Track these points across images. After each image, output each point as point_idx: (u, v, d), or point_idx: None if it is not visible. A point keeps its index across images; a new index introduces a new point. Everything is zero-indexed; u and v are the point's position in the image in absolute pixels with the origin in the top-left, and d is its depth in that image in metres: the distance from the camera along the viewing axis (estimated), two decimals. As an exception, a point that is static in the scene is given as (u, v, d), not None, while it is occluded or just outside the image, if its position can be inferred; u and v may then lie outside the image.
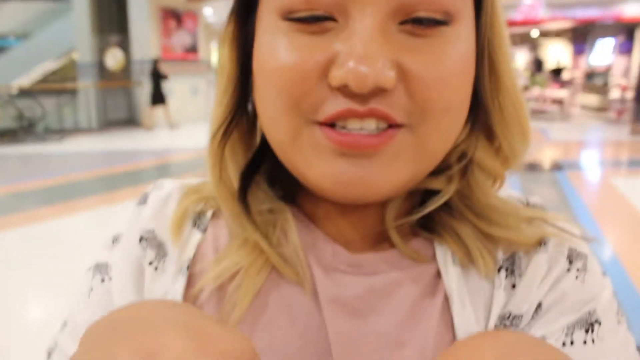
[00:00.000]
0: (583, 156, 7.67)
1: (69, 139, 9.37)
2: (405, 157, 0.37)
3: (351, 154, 0.36)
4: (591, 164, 6.98)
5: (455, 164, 0.43)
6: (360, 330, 0.40)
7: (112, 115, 11.23)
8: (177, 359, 0.21)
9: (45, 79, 10.90)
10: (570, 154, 7.72)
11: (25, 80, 10.92)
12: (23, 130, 9.32)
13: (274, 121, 0.38)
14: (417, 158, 0.38)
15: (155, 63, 10.13)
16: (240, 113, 0.43)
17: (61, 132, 9.90)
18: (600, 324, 0.41)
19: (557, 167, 6.45)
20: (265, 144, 0.44)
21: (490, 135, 0.43)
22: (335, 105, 0.36)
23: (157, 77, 10.15)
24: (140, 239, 0.46)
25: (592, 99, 13.47)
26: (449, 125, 0.38)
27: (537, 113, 11.67)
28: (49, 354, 0.45)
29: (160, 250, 0.45)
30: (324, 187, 0.38)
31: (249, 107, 0.44)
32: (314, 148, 0.37)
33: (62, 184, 5.93)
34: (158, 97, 10.24)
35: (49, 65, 11.43)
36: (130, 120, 11.40)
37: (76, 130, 10.49)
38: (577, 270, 0.43)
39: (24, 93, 9.69)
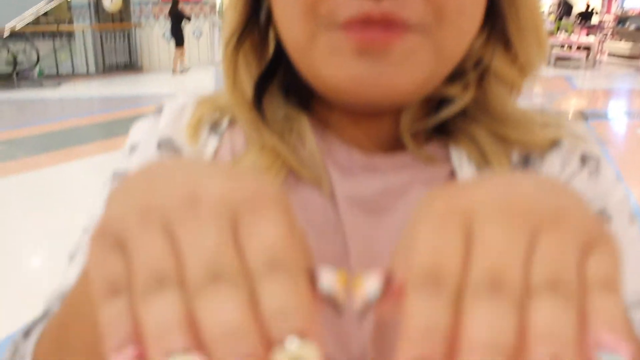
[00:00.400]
0: (610, 106, 7.56)
1: (66, 85, 9.34)
2: (420, 58, 0.39)
3: (368, 53, 0.38)
4: (618, 114, 6.89)
5: (472, 71, 0.44)
6: (376, 227, 0.42)
7: (110, 60, 11.13)
8: (221, 200, 0.21)
9: (38, 21, 10.76)
10: (596, 104, 7.62)
11: (18, 22, 10.80)
12: (18, 75, 9.27)
13: (290, 25, 0.40)
14: (432, 59, 0.39)
15: (176, 3, 9.96)
16: (254, 20, 0.45)
17: (58, 78, 9.87)
18: (610, 219, 0.43)
19: (582, 116, 6.38)
20: (278, 55, 0.46)
21: (506, 43, 0.44)
22: (350, 8, 0.37)
23: (178, 17, 10.00)
24: (158, 145, 0.48)
25: (623, 46, 13.16)
26: (463, 28, 0.39)
27: (562, 60, 11.44)
28: (72, 258, 0.48)
29: (178, 156, 0.48)
30: (340, 87, 0.39)
31: (262, 17, 0.46)
32: (331, 50, 0.39)
33: (59, 131, 5.97)
34: (179, 39, 10.11)
35: (42, 6, 11.29)
36: (130, 65, 11.32)
37: (73, 75, 10.44)
38: (590, 171, 0.44)
39: (17, 36, 9.58)
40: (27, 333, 0.42)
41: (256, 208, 0.22)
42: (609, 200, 0.43)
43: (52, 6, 11.18)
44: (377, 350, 0.42)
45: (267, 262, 0.21)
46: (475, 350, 0.19)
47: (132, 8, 11.01)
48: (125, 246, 0.22)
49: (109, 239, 0.22)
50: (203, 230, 0.21)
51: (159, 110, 0.51)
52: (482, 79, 0.44)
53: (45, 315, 0.44)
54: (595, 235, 0.21)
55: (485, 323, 0.19)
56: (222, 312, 0.20)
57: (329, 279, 0.22)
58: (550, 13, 15.18)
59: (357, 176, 0.43)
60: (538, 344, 0.19)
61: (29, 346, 0.40)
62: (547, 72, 9.57)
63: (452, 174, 0.44)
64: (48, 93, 8.54)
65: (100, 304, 0.22)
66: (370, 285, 0.22)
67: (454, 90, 0.44)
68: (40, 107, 7.59)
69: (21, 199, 3.92)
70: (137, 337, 0.21)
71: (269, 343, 0.20)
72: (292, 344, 0.19)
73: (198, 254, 0.20)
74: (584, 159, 0.45)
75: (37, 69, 9.64)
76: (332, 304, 0.22)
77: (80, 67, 10.76)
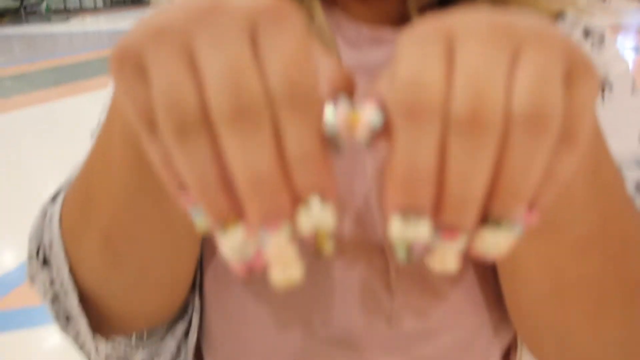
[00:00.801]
0: (618, 42, 7.36)
1: (74, 19, 9.23)
2: None
3: None
4: (626, 51, 6.72)
5: None
6: None
7: (118, -6, 10.95)
8: (241, 9, 0.21)
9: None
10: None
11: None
12: (26, 10, 9.17)
13: None
14: None
15: None
16: None
17: (66, 12, 9.74)
18: (611, 88, 0.42)
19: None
20: None
21: None
22: None
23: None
24: None
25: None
26: None
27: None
28: (92, 134, 0.47)
29: None
30: None
31: None
32: None
33: (68, 65, 5.96)
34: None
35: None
36: (138, -1, 11.13)
37: (81, 9, 10.29)
38: (592, 43, 0.43)
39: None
40: (54, 198, 0.42)
41: (277, 18, 0.21)
42: (611, 71, 0.43)
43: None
44: (381, 188, 0.42)
45: (288, 91, 0.20)
46: (451, 200, 0.20)
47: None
48: (146, 70, 0.21)
49: (129, 64, 0.21)
50: (223, 47, 0.20)
51: None
52: None
53: (68, 181, 0.44)
54: (577, 59, 0.21)
55: (461, 172, 0.19)
56: (252, 159, 0.20)
57: (335, 114, 0.21)
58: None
59: (364, 48, 0.43)
60: (501, 196, 0.20)
61: (57, 207, 0.40)
62: None
63: None
64: (56, 28, 8.44)
65: (143, 139, 0.22)
66: (370, 113, 0.21)
67: None
68: (48, 41, 7.53)
69: (32, 132, 3.97)
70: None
71: (294, 194, 0.20)
72: (315, 207, 0.20)
73: (219, 80, 0.20)
74: (587, 32, 0.43)
75: (44, 4, 9.51)
76: (333, 142, 0.21)
77: (88, 2, 10.59)
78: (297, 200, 0.20)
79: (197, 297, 0.47)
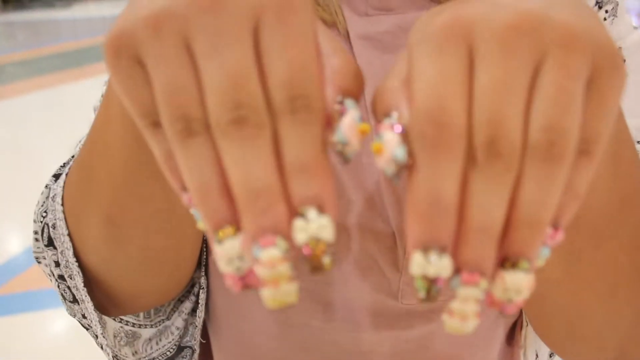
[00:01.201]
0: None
1: (77, 4, 9.22)
2: None
3: None
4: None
5: None
6: (388, 64, 0.39)
7: (121, -21, 10.91)
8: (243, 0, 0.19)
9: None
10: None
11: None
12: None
13: None
14: None
15: None
16: None
17: (69, -2, 9.73)
18: (624, 61, 0.41)
19: None
20: None
21: None
22: None
23: None
24: None
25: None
26: None
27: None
28: (95, 109, 0.48)
29: None
30: None
31: None
32: None
33: (72, 50, 5.97)
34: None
35: None
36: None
37: (84, -5, 10.28)
38: (606, 11, 0.42)
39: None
40: (56, 176, 0.42)
41: (284, 13, 0.19)
42: (624, 42, 0.41)
43: None
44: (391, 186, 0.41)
45: (290, 98, 0.19)
46: (473, 233, 0.19)
47: None
48: (144, 63, 0.20)
49: (126, 57, 0.20)
50: (223, 48, 0.19)
51: None
52: None
53: (71, 159, 0.44)
54: (603, 58, 0.19)
55: (482, 204, 0.19)
56: (249, 169, 0.19)
57: (347, 126, 0.20)
58: None
59: (372, 17, 0.41)
60: (519, 228, 0.19)
61: (59, 185, 0.39)
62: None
63: None
64: (59, 13, 8.46)
65: (146, 136, 0.21)
66: (394, 148, 0.20)
67: None
68: (52, 27, 7.56)
69: (36, 118, 4.00)
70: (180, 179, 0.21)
71: (291, 206, 0.19)
72: (312, 218, 0.19)
73: (218, 86, 0.19)
74: (599, 3, 0.42)
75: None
76: (340, 153, 0.20)
77: (91, -14, 10.59)
78: (294, 213, 0.20)
79: (203, 275, 0.46)
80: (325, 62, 0.21)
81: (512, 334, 0.51)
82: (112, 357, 0.44)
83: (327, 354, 0.45)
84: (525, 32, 0.19)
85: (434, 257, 0.19)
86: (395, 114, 0.20)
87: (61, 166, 0.43)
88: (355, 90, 0.21)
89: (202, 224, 0.21)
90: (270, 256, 0.19)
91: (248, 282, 0.21)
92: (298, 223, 0.19)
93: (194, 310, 0.48)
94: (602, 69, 0.19)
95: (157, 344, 0.46)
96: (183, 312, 0.47)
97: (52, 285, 0.42)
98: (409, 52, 0.21)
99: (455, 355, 0.47)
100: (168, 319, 0.47)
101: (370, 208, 0.41)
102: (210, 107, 0.19)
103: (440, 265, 0.19)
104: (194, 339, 0.49)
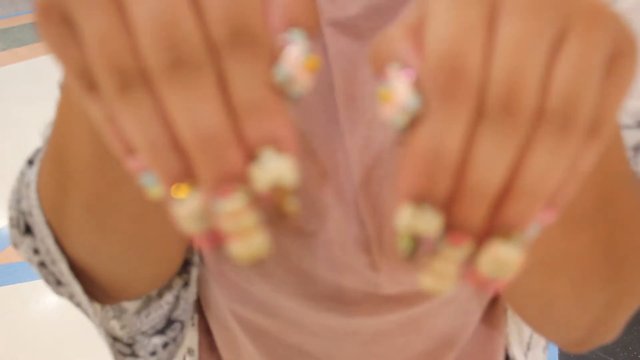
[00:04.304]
0: None
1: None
2: None
3: None
4: None
5: None
6: (361, 51, 0.38)
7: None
8: None
9: None
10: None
11: None
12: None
13: None
14: None
15: None
16: None
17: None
18: None
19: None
20: None
21: None
22: None
23: None
24: None
25: None
26: None
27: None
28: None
29: None
30: None
31: None
32: None
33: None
34: None
35: None
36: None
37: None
38: None
39: None
40: (30, 161, 0.40)
41: None
42: (622, 4, 0.38)
43: None
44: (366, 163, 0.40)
45: (230, 32, 0.17)
46: (468, 191, 0.18)
47: None
48: (74, 22, 0.19)
49: (55, 17, 0.19)
50: None
51: None
52: None
53: (44, 144, 0.41)
54: (623, 40, 0.19)
55: (484, 161, 0.18)
56: (195, 114, 0.17)
57: (290, 61, 0.18)
58: None
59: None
60: (519, 196, 0.18)
61: (33, 172, 0.38)
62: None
63: None
64: (36, -19, 8.23)
65: (84, 102, 0.20)
66: (406, 94, 0.18)
67: None
68: (30, -5, 7.37)
69: (17, 89, 3.94)
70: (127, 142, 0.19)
71: (245, 147, 0.18)
72: (270, 159, 0.18)
73: (150, 28, 0.17)
74: None
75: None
76: (286, 89, 0.19)
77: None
78: (250, 156, 0.18)
79: (193, 251, 0.46)
80: None
81: (492, 318, 0.52)
82: (103, 331, 0.43)
83: (316, 332, 0.47)
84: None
85: (425, 212, 0.18)
86: (398, 64, 0.19)
87: (36, 151, 0.41)
88: (306, 20, 0.19)
89: (153, 191, 0.19)
90: (231, 207, 0.18)
91: (216, 240, 0.19)
92: (256, 166, 0.18)
93: (185, 284, 0.47)
94: (622, 51, 0.19)
95: (146, 317, 0.46)
96: (173, 287, 0.47)
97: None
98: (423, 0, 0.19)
99: (436, 333, 0.49)
100: (159, 296, 0.46)
101: (346, 214, 0.40)
102: (146, 52, 0.17)
103: (430, 222, 0.18)
104: (185, 313, 0.49)
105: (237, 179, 0.18)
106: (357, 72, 0.38)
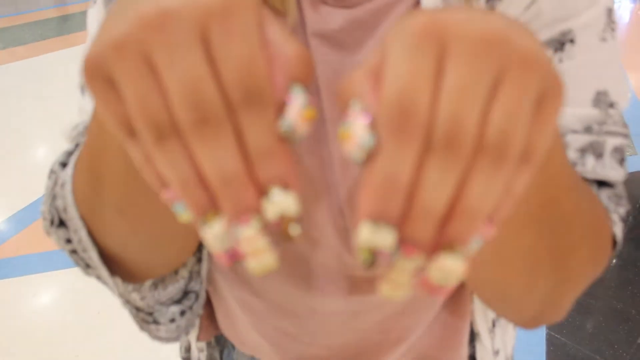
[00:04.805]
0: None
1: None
2: None
3: None
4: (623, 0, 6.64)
5: None
6: (346, 61, 0.41)
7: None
8: (189, 14, 0.21)
9: None
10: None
11: None
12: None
13: None
14: None
15: None
16: None
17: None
18: (573, 42, 0.40)
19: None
20: None
21: None
22: None
23: None
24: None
25: None
26: None
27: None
28: (82, 89, 0.48)
29: None
30: None
31: None
32: None
33: (55, 18, 5.86)
34: None
35: None
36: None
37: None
38: None
39: None
40: (63, 164, 0.44)
41: (226, 17, 0.21)
42: (576, 21, 0.40)
43: None
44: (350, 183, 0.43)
45: (242, 93, 0.21)
46: (418, 211, 0.21)
47: None
48: (115, 82, 0.22)
49: (99, 78, 0.22)
50: (178, 59, 0.21)
51: None
52: None
53: (77, 146, 0.45)
54: (552, 82, 0.22)
55: (431, 187, 0.21)
56: (217, 160, 0.21)
57: (293, 114, 0.22)
58: None
59: (326, 9, 0.41)
60: (461, 216, 0.21)
61: (68, 174, 0.41)
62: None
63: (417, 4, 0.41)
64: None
65: (125, 144, 0.23)
66: (362, 134, 0.21)
67: None
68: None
69: (19, 86, 3.96)
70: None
71: (257, 185, 0.22)
72: (277, 196, 0.22)
73: (178, 92, 0.21)
74: None
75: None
76: (289, 136, 0.22)
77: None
78: (262, 193, 0.22)
79: None
80: (275, 51, 0.23)
81: (456, 307, 0.56)
82: (124, 302, 0.47)
83: (298, 313, 0.51)
84: (494, 46, 0.21)
85: (381, 229, 0.21)
86: (359, 103, 0.22)
87: (66, 153, 0.44)
88: (304, 76, 0.23)
89: (183, 217, 0.23)
90: (248, 233, 0.22)
91: (235, 256, 0.23)
92: (266, 201, 0.22)
93: (199, 260, 0.51)
94: (549, 94, 0.22)
95: (163, 290, 0.49)
96: (188, 265, 0.50)
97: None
98: (385, 46, 0.22)
99: (414, 307, 0.52)
100: (175, 272, 0.50)
101: (341, 214, 0.44)
102: (175, 111, 0.21)
103: (385, 237, 0.21)
104: (199, 285, 0.53)
105: (252, 211, 0.22)
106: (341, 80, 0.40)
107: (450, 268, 0.22)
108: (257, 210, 0.22)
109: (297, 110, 0.22)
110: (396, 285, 0.22)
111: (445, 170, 0.21)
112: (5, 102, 3.71)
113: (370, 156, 0.21)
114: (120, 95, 0.22)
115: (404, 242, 0.22)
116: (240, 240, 0.22)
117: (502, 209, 0.23)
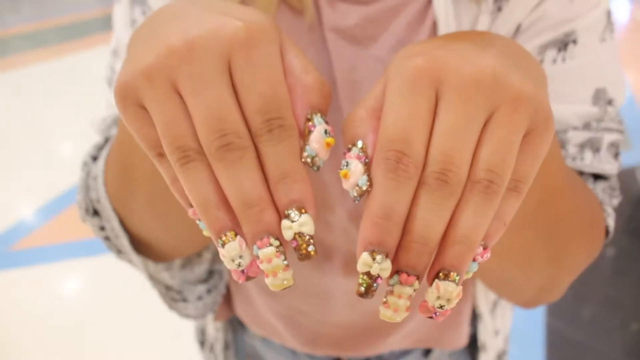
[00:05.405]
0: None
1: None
2: None
3: None
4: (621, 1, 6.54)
5: None
6: (360, 55, 0.41)
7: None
8: (213, 43, 0.22)
9: None
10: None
11: None
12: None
13: None
14: None
15: None
16: None
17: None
18: (576, 43, 0.40)
19: None
20: None
21: None
22: None
23: None
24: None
25: None
26: None
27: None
28: (110, 82, 0.49)
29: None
30: None
31: None
32: None
33: (76, 22, 5.95)
34: None
35: None
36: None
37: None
38: None
39: None
40: (94, 157, 0.44)
41: (249, 49, 0.22)
42: (579, 22, 0.40)
43: None
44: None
45: (264, 123, 0.22)
46: (414, 242, 0.22)
47: None
48: (145, 107, 0.23)
49: (130, 103, 0.23)
50: (203, 89, 0.22)
51: None
52: None
53: (107, 141, 0.45)
54: (541, 116, 0.23)
55: (425, 220, 0.22)
56: (239, 185, 0.22)
57: (315, 142, 0.23)
58: None
59: (342, 6, 0.41)
60: (454, 245, 0.22)
61: (99, 167, 0.42)
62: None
63: (429, 1, 0.41)
64: (63, -14, 8.35)
65: (155, 163, 0.24)
66: (358, 177, 0.23)
67: None
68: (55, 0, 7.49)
69: (45, 88, 4.01)
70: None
71: (276, 208, 0.23)
72: (295, 219, 0.23)
73: (203, 121, 0.22)
74: None
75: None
76: (311, 163, 0.23)
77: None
78: (281, 215, 0.23)
79: None
80: (296, 81, 0.24)
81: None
82: (155, 282, 0.49)
83: (317, 293, 0.53)
84: (485, 87, 0.22)
85: (378, 259, 0.22)
86: (360, 143, 0.24)
87: (96, 147, 0.46)
88: (322, 104, 0.25)
89: (206, 232, 0.25)
90: (267, 253, 0.23)
91: (249, 274, 0.24)
92: (285, 223, 0.23)
93: None
94: (538, 127, 0.23)
95: (190, 270, 0.51)
96: (210, 247, 0.52)
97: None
98: (385, 84, 0.24)
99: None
100: (199, 255, 0.52)
101: (352, 218, 0.46)
102: (201, 137, 0.22)
103: (382, 266, 0.22)
104: (222, 264, 0.55)
105: (271, 232, 0.23)
106: (356, 73, 0.42)
107: (447, 293, 0.22)
108: (275, 232, 0.23)
109: (319, 137, 0.23)
110: (395, 308, 0.23)
111: (438, 204, 0.22)
112: (32, 101, 3.78)
113: (365, 194, 0.23)
114: (150, 119, 0.23)
115: (402, 271, 0.23)
116: (260, 259, 0.23)
117: (494, 235, 0.24)
